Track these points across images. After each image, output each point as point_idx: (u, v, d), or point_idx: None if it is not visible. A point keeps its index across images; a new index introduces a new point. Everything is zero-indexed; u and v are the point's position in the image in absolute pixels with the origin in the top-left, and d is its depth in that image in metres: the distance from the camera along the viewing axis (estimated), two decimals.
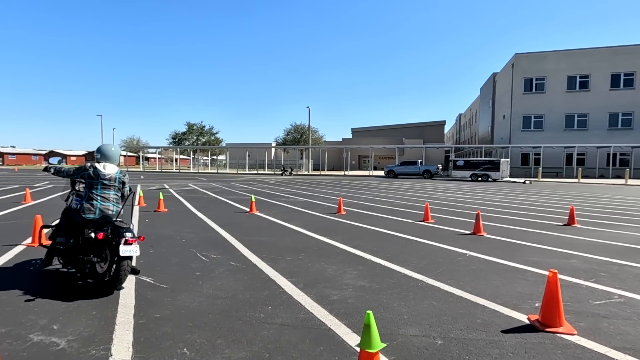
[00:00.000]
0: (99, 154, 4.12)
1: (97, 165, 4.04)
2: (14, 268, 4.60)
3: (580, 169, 29.20)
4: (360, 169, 52.67)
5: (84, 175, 4.01)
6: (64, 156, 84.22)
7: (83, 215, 3.88)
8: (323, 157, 46.84)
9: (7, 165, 70.85)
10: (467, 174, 29.29)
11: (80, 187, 4.33)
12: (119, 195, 4.18)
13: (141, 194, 11.84)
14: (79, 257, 3.90)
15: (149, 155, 74.61)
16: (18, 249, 5.56)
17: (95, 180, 3.96)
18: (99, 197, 3.96)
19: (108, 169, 4.04)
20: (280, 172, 39.08)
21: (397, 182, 25.51)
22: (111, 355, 2.57)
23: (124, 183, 4.19)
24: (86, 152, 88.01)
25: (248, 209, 10.09)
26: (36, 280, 4.15)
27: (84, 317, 3.17)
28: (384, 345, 2.67)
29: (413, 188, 19.96)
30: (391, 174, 33.27)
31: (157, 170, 48.36)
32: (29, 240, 6.00)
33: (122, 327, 3.00)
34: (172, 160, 62.86)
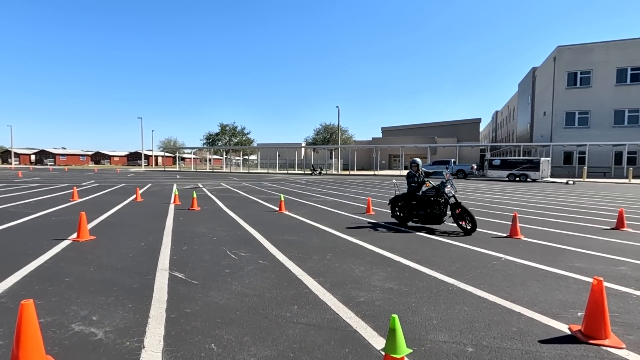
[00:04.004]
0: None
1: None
2: (61, 261, 4.94)
3: (631, 168, 27.01)
4: (390, 168, 51.86)
5: None
6: (109, 157, 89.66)
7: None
8: (353, 156, 46.57)
9: (59, 165, 76.55)
10: (503, 173, 27.96)
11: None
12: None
13: (176, 193, 12.35)
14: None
15: (185, 156, 77.66)
16: (65, 243, 5.96)
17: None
18: None
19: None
20: (310, 172, 39.30)
21: None
22: (144, 347, 2.69)
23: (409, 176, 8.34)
24: (128, 153, 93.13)
25: (277, 208, 10.22)
26: (81, 273, 4.43)
27: (121, 310, 3.34)
28: (410, 350, 2.61)
29: None
30: None
31: (192, 170, 50.21)
32: (74, 236, 6.42)
33: (155, 320, 3.13)
34: (206, 160, 65.10)
